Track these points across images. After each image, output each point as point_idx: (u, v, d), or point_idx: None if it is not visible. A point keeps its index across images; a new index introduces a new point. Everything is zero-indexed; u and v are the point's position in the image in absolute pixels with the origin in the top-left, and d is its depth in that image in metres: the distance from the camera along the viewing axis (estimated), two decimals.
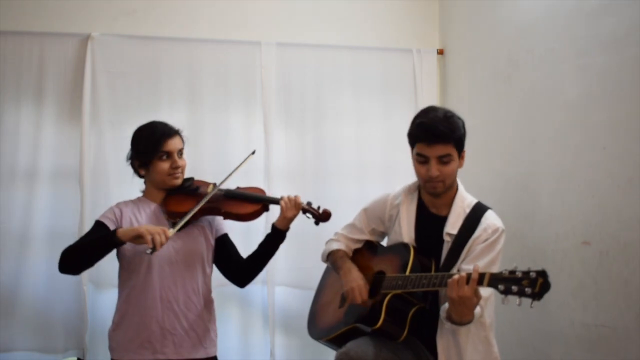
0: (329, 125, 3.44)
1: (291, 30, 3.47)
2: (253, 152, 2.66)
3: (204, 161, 3.19)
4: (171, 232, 2.26)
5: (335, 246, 2.54)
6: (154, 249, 2.17)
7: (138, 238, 2.20)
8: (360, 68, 3.49)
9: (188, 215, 2.35)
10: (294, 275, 3.31)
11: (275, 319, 3.28)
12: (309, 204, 2.52)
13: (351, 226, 2.57)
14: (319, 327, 2.53)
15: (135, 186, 2.59)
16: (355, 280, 2.31)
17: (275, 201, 2.51)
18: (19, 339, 3.02)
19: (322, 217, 2.51)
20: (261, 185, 3.24)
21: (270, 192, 3.24)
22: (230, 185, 2.57)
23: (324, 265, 2.68)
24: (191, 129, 3.24)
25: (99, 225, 2.40)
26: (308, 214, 2.51)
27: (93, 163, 3.13)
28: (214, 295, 2.56)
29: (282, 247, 3.20)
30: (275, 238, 2.53)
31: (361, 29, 3.58)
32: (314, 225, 2.53)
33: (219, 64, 3.32)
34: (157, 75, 3.25)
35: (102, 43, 3.17)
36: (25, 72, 3.11)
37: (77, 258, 2.30)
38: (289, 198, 2.48)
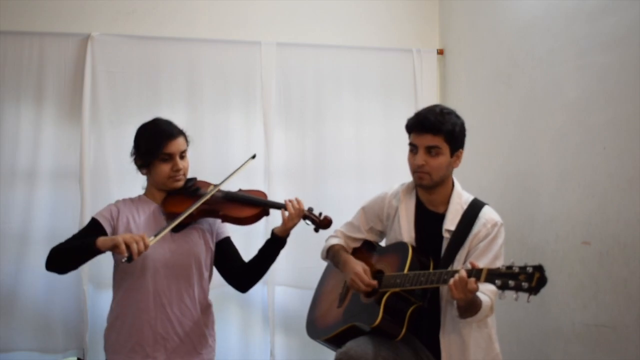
0: (329, 125, 3.44)
1: (291, 30, 3.47)
2: (253, 156, 2.60)
3: (204, 161, 3.18)
4: (152, 239, 2.15)
5: (333, 241, 2.55)
6: (130, 257, 2.07)
7: (115, 248, 2.10)
8: (360, 68, 3.50)
9: (179, 218, 2.27)
10: (294, 275, 3.31)
11: (275, 319, 3.28)
12: (310, 209, 2.45)
13: (350, 224, 2.57)
14: (318, 326, 2.52)
15: (135, 186, 2.58)
16: (355, 267, 2.30)
17: (279, 206, 2.43)
18: (19, 339, 3.02)
19: (322, 224, 2.44)
20: (261, 186, 3.26)
21: (270, 193, 3.24)
22: (232, 187, 2.53)
23: (324, 265, 2.68)
24: (191, 129, 3.20)
25: (93, 223, 2.36)
26: (308, 221, 2.44)
27: (93, 163, 3.13)
28: (214, 295, 2.54)
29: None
30: (274, 245, 2.45)
31: (361, 29, 3.58)
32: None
33: (219, 64, 3.32)
34: (157, 75, 3.25)
35: (102, 43, 3.17)
36: (25, 72, 3.11)
37: (61, 261, 2.26)
38: (293, 205, 2.39)
